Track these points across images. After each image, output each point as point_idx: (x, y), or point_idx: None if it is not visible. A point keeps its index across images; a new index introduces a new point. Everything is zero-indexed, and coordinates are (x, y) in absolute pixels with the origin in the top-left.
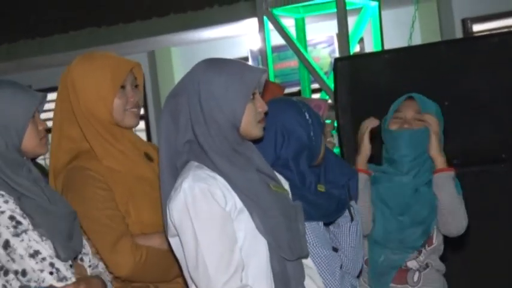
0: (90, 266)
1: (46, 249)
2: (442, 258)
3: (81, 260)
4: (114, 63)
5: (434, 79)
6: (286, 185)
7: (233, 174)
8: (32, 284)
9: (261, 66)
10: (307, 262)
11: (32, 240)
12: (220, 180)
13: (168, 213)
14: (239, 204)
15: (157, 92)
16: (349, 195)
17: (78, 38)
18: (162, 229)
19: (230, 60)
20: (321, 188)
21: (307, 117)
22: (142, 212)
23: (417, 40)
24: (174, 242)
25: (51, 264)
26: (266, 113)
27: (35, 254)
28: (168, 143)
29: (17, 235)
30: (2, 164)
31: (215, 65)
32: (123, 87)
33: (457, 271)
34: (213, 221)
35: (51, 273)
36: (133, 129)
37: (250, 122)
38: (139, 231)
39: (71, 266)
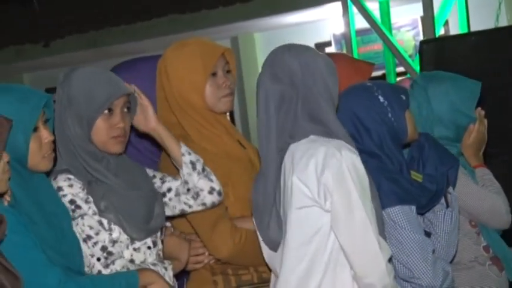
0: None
1: (101, 235)
2: None
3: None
4: (204, 49)
5: None
6: None
7: None
8: (86, 268)
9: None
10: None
11: (87, 225)
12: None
13: (306, 181)
14: None
15: (240, 78)
16: (447, 183)
17: (160, 25)
18: None
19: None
20: (417, 177)
21: (382, 99)
22: (240, 193)
23: (503, 22)
24: (298, 214)
25: (103, 249)
26: None
27: (87, 239)
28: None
29: (73, 219)
30: (80, 150)
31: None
32: (214, 73)
33: None
34: (365, 189)
35: (98, 259)
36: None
37: None
38: (238, 213)
39: (149, 247)
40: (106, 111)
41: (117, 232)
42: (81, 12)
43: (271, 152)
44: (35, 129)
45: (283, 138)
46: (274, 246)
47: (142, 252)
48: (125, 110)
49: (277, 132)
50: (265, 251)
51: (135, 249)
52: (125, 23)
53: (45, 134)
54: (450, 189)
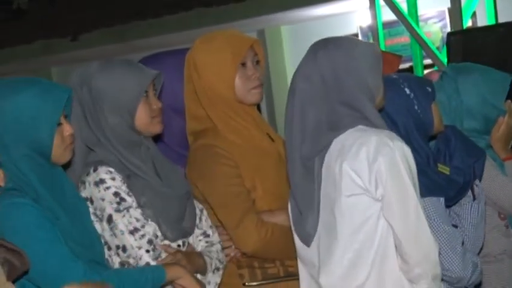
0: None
1: (147, 227)
2: None
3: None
4: (233, 41)
5: None
6: None
7: None
8: (131, 260)
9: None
10: None
11: (133, 217)
12: None
13: (357, 169)
14: None
15: (267, 71)
16: (474, 175)
17: (187, 18)
18: (287, 205)
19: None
20: (444, 169)
21: (408, 92)
22: (268, 186)
23: None
24: (347, 202)
25: (150, 242)
26: None
27: (134, 231)
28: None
29: (119, 211)
30: (116, 142)
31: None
32: (243, 64)
33: None
34: (415, 179)
35: (147, 251)
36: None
37: None
38: (265, 206)
39: (178, 246)
40: (143, 95)
41: (153, 228)
42: (108, 6)
43: (309, 153)
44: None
45: (322, 133)
46: (309, 239)
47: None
48: (255, 63)
49: (314, 128)
50: (298, 242)
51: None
52: (151, 17)
53: (66, 127)
54: (477, 181)
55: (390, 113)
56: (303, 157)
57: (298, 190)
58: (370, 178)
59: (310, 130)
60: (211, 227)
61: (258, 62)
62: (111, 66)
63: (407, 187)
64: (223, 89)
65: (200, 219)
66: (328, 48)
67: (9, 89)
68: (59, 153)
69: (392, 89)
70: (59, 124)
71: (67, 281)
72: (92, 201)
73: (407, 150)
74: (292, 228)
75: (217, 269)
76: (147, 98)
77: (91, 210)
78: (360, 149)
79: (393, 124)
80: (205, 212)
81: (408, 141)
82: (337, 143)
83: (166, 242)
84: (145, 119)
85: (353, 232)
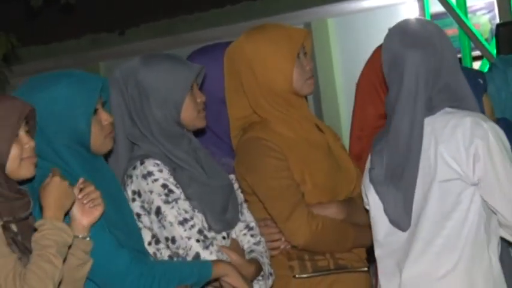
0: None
1: (195, 218)
2: None
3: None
4: (288, 33)
5: None
6: None
7: None
8: (180, 251)
9: None
10: None
11: (182, 209)
12: None
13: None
14: None
15: (314, 64)
16: None
17: (234, 12)
18: (337, 197)
19: None
20: None
21: None
22: (318, 179)
23: None
24: (441, 187)
25: (200, 231)
26: None
27: (184, 222)
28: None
29: (167, 202)
30: (160, 136)
31: None
32: (297, 56)
33: None
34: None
35: (197, 240)
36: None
37: None
38: (315, 200)
39: (223, 238)
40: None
41: (201, 220)
42: (155, 1)
43: (414, 123)
44: (95, 111)
45: (422, 110)
46: (405, 224)
47: (219, 242)
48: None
49: (423, 102)
50: (384, 228)
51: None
52: (198, 11)
53: (104, 116)
54: None
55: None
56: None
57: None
58: (467, 162)
59: (420, 104)
60: (252, 219)
61: (305, 54)
62: (157, 60)
63: (507, 168)
64: (282, 81)
65: (241, 212)
66: (418, 19)
67: (44, 83)
68: (99, 142)
69: None
70: (96, 113)
71: (113, 268)
72: (139, 195)
73: (500, 130)
74: (383, 213)
75: (271, 274)
76: (192, 92)
77: (138, 203)
78: (454, 132)
79: None
80: (245, 205)
81: None
82: (427, 125)
83: (212, 233)
84: (191, 112)
85: (444, 217)
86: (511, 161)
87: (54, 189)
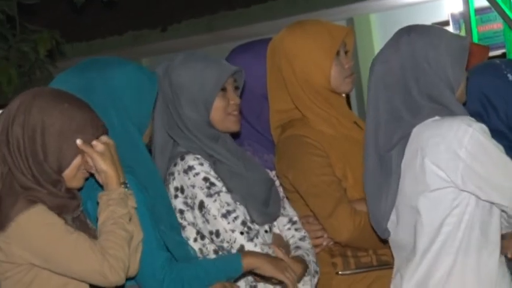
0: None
1: (238, 210)
2: None
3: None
4: (328, 30)
5: None
6: None
7: None
8: (225, 245)
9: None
10: None
11: (224, 202)
12: None
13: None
14: None
15: (356, 60)
16: None
17: (276, 7)
18: None
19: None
20: None
21: (511, 78)
22: (359, 175)
23: None
24: (432, 196)
25: (243, 223)
26: None
27: (227, 214)
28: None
29: (210, 196)
30: (198, 132)
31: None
32: (337, 53)
33: None
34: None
35: (241, 233)
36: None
37: None
38: (357, 195)
39: (266, 231)
40: (221, 91)
41: (243, 212)
42: None
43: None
44: (223, 88)
45: (398, 122)
46: (382, 232)
47: (262, 235)
48: (234, 87)
49: (388, 115)
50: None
51: None
52: (240, 7)
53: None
54: None
55: (492, 99)
56: (377, 146)
57: (369, 178)
58: (455, 170)
59: (385, 117)
60: (295, 213)
61: (346, 53)
62: (190, 60)
63: (500, 162)
64: (319, 77)
65: (283, 206)
66: (411, 35)
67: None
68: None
69: (496, 75)
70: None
71: (149, 268)
72: (182, 190)
73: (486, 129)
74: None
75: (316, 272)
76: (225, 93)
77: (181, 199)
78: (439, 142)
79: (494, 110)
80: (286, 200)
81: (509, 128)
82: (414, 137)
83: (256, 226)
84: (220, 114)
85: (438, 225)
86: (501, 156)
87: (109, 154)
